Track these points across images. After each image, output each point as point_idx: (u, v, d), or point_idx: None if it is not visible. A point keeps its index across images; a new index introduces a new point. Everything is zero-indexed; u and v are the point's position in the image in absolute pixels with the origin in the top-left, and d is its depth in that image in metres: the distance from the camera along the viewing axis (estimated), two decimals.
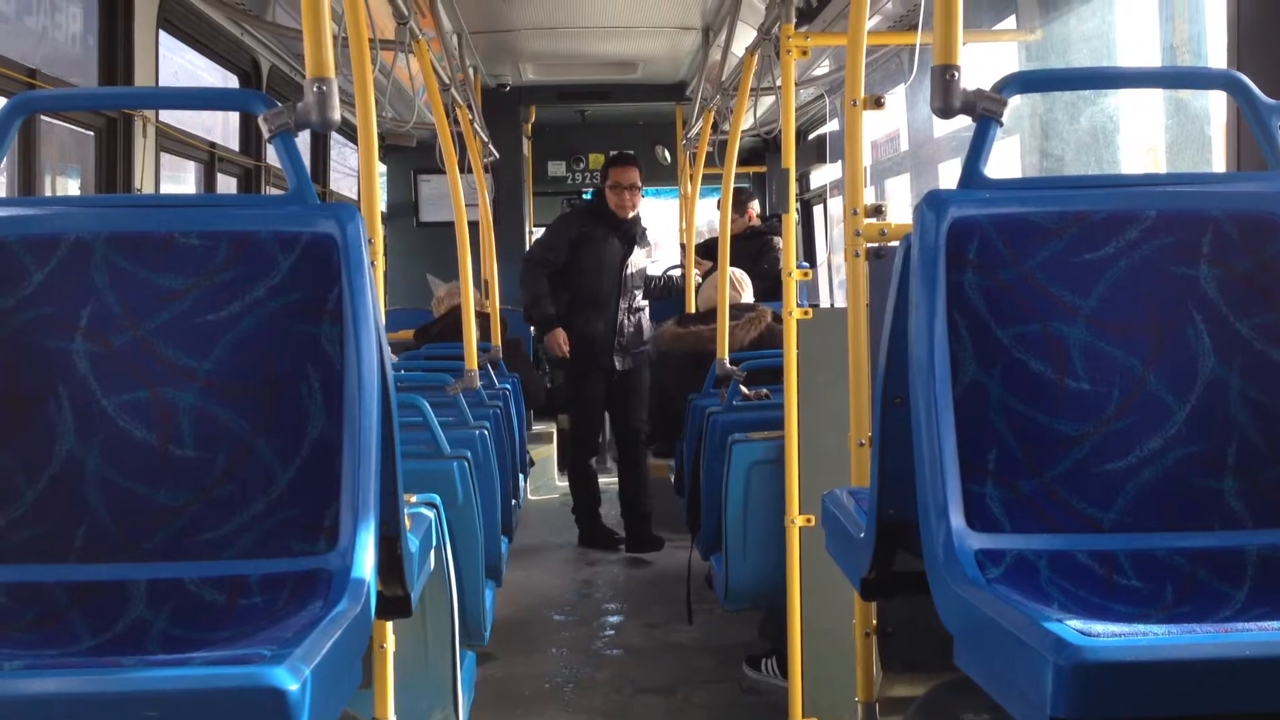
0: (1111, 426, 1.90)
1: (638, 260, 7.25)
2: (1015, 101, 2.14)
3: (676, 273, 8.98)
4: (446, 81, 5.92)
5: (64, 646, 1.73)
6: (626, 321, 7.17)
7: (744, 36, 5.67)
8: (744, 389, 5.01)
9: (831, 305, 9.24)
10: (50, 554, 1.89)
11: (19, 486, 1.90)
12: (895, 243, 2.75)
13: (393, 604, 2.11)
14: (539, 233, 8.58)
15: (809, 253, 10.11)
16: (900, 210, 6.75)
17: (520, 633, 5.51)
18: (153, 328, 1.96)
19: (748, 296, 6.19)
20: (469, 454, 3.92)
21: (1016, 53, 5.25)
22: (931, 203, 1.98)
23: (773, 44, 4.26)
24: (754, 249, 7.75)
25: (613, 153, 7.46)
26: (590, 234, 7.08)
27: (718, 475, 4.51)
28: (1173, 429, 1.90)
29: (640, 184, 7.15)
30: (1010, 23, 5.29)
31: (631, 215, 7.12)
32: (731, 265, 5.68)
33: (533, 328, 7.61)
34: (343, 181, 9.10)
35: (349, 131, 8.05)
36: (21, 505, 1.90)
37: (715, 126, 6.92)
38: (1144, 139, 4.78)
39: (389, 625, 2.44)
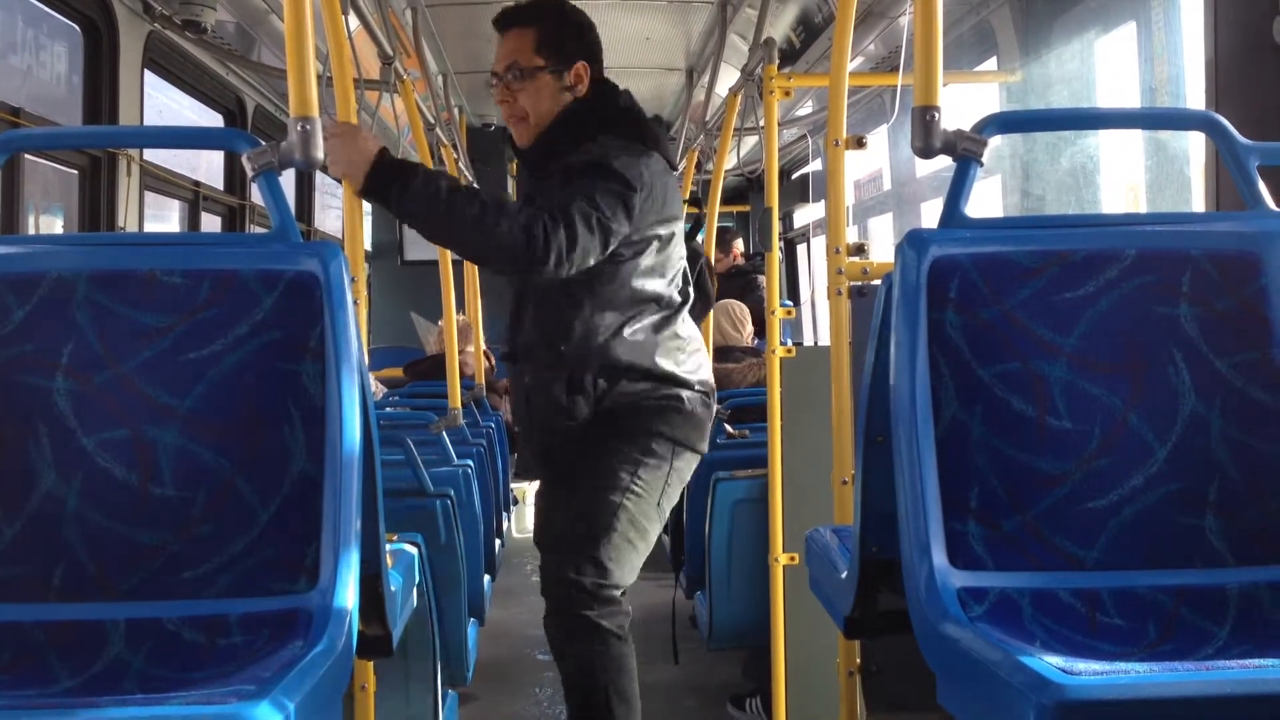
0: (1093, 465, 1.91)
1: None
2: (996, 142, 2.16)
3: None
4: (431, 121, 5.95)
5: (42, 686, 1.71)
6: (532, 348, 3.25)
7: (727, 77, 5.71)
8: (728, 427, 5.01)
9: (815, 343, 9.28)
10: (28, 593, 1.87)
11: None
12: (877, 281, 2.76)
13: (374, 643, 2.10)
14: None
15: (793, 291, 10.15)
16: (884, 249, 6.78)
17: (503, 673, 5.47)
18: (134, 366, 1.96)
19: (748, 330, 6.16)
20: (452, 492, 3.91)
21: (997, 94, 5.30)
22: (913, 242, 1.99)
23: (756, 85, 4.29)
24: (738, 287, 7.77)
25: None
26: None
27: (701, 513, 4.50)
28: (1154, 467, 1.91)
29: (530, 64, 3.20)
30: (991, 64, 5.34)
31: (532, 140, 3.25)
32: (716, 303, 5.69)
33: None
34: (334, 217, 9.12)
35: None
36: None
37: (699, 166, 6.96)
38: (1124, 179, 4.82)
39: (370, 665, 2.42)
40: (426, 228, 2.91)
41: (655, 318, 3.22)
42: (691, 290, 3.42)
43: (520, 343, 3.28)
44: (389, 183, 2.79)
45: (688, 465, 3.30)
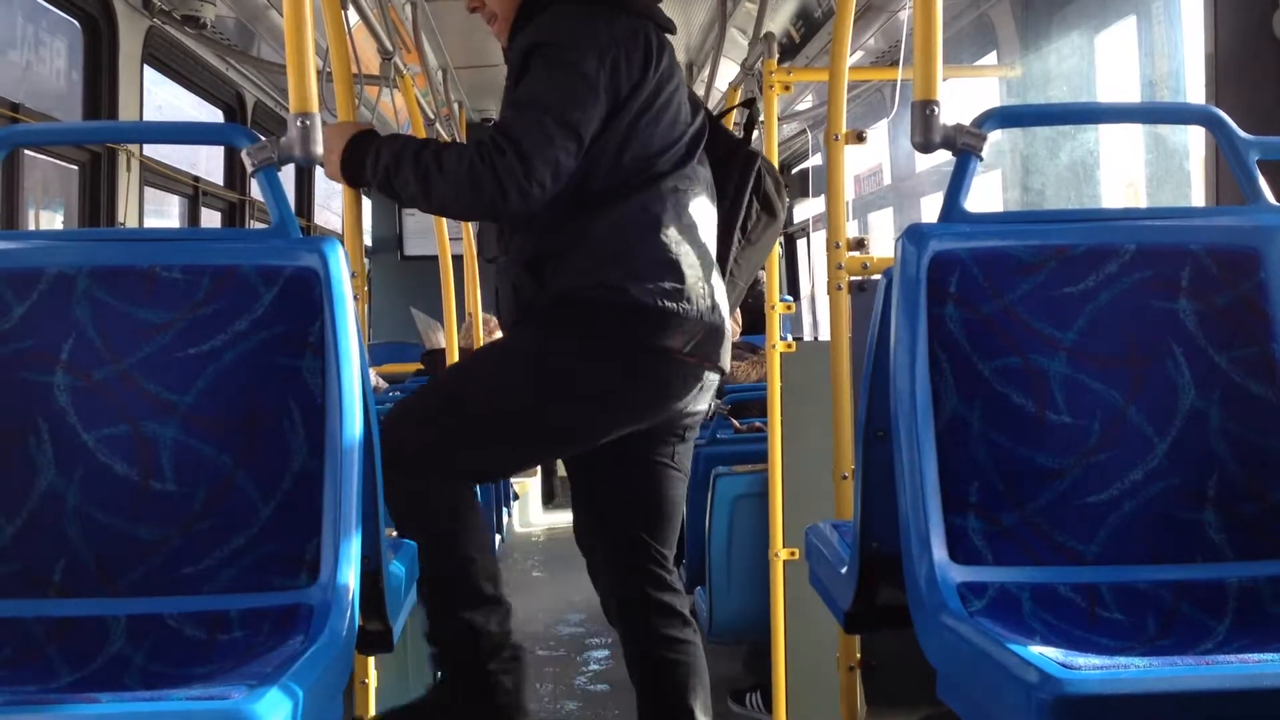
0: (1093, 459, 1.91)
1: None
2: (996, 136, 2.16)
3: None
4: (431, 116, 5.94)
5: (42, 682, 1.71)
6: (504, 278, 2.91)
7: (727, 72, 5.70)
8: (734, 422, 5.01)
9: (815, 338, 9.27)
10: (29, 589, 1.87)
11: None
12: (877, 276, 2.76)
13: (375, 638, 2.10)
14: None
15: (792, 286, 10.14)
16: (884, 244, 6.78)
17: None
18: (134, 362, 1.96)
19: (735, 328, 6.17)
20: None
21: (997, 88, 5.29)
22: (912, 236, 1.99)
23: (755, 79, 4.28)
24: None
25: None
26: None
27: (701, 508, 4.50)
28: (1153, 461, 1.91)
29: None
30: (991, 58, 5.34)
31: (507, 37, 2.97)
32: None
33: None
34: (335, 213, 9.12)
35: None
36: None
37: None
38: (1124, 174, 4.82)
39: (371, 660, 2.43)
40: (403, 200, 2.70)
41: None
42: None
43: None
44: (360, 167, 2.66)
45: None
